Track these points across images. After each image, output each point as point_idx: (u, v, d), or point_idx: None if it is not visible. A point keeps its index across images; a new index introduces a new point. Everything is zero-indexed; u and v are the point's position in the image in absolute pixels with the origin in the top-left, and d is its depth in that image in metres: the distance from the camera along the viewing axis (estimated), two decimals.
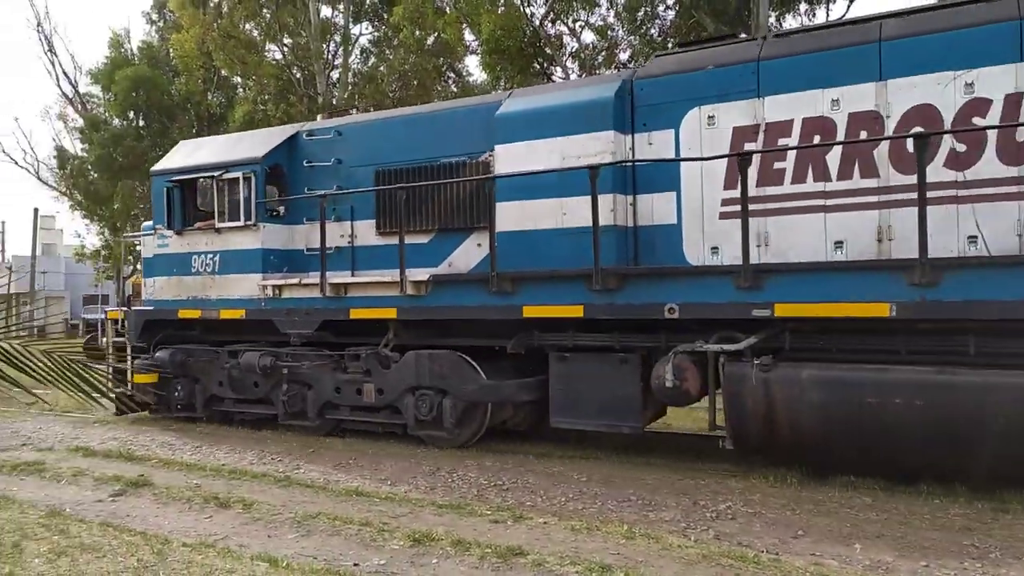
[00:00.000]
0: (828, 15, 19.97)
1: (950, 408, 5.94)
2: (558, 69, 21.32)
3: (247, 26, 26.77)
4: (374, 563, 4.89)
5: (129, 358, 10.31)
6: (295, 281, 9.15)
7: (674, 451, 8.09)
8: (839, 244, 6.64)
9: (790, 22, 20.58)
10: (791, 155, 6.86)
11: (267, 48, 27.02)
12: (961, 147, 6.24)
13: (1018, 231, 6.05)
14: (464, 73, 27.76)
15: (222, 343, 9.89)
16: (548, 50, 21.19)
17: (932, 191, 6.07)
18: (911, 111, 6.40)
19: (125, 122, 29.35)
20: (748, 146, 6.92)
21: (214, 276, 9.81)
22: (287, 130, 10.24)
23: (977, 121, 6.16)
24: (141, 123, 29.31)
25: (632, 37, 22.04)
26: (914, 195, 6.04)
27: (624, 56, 21.60)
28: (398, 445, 8.66)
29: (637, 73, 7.80)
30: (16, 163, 33.73)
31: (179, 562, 4.87)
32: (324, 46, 26.41)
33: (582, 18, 21.68)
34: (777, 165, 6.91)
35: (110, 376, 9.19)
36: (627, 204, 7.55)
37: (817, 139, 6.74)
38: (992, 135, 6.13)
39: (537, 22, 21.08)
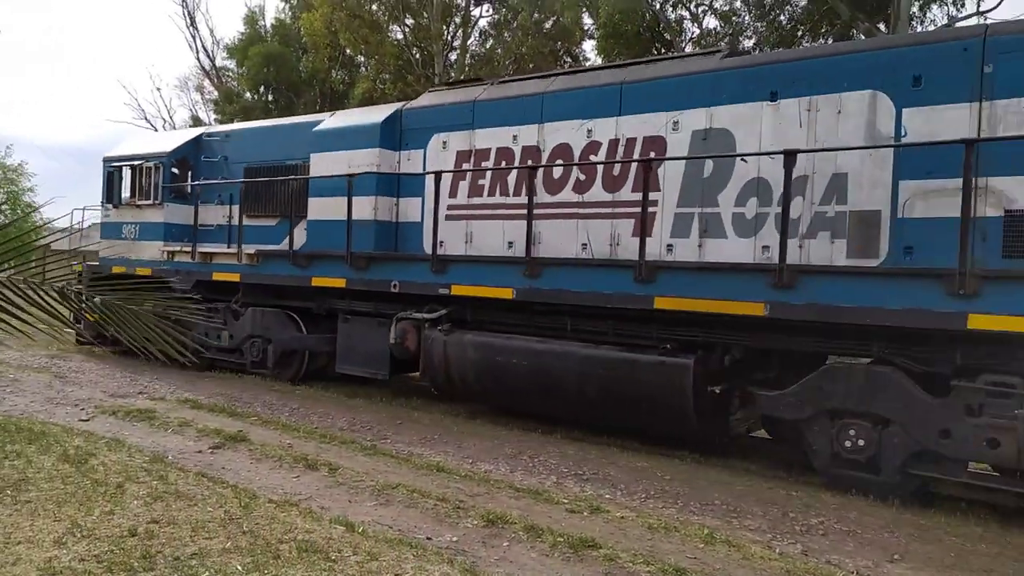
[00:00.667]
0: (979, 4, 18.44)
1: (541, 367, 8.02)
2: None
3: (372, 7, 27.50)
4: (446, 539, 4.91)
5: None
6: (178, 248, 11.93)
7: (765, 459, 7.73)
8: (511, 244, 8.69)
9: (935, 12, 19.15)
10: (488, 175, 9.00)
11: (389, 28, 27.69)
12: (583, 177, 8.28)
13: (610, 242, 8.06)
14: (581, 57, 27.50)
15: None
16: (667, 35, 20.62)
17: (562, 208, 8.38)
18: (556, 147, 8.51)
19: (256, 96, 30.91)
20: (465, 166, 9.21)
21: (136, 242, 12.72)
22: (193, 132, 13.46)
23: (592, 158, 8.22)
24: (270, 97, 30.79)
25: (759, 24, 21.12)
26: (556, 211, 8.41)
27: (749, 43, 20.75)
28: (483, 424, 8.71)
29: (407, 104, 10.14)
30: (156, 130, 36.09)
31: (263, 517, 5.05)
32: (444, 27, 26.80)
33: (705, 2, 20.94)
34: (480, 182, 9.09)
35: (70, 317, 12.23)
36: (392, 204, 9.91)
37: (504, 163, 8.86)
38: (600, 169, 8.14)
39: (657, 6, 20.53)
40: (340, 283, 9.72)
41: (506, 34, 27.42)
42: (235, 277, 11.03)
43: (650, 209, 7.41)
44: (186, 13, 34.32)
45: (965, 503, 6.08)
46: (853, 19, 18.07)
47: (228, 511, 5.14)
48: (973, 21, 17.22)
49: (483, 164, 9.02)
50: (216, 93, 33.25)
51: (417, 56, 27.09)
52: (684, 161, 7.50)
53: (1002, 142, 5.90)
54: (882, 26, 18.01)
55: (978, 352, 5.98)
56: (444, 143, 9.45)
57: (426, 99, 10.10)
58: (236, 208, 11.32)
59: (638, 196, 7.49)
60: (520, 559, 4.65)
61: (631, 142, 7.96)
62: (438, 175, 8.87)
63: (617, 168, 7.98)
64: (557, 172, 8.39)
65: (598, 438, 8.21)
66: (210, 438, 7.33)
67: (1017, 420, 5.60)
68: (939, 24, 18.62)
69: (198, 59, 34.55)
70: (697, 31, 21.63)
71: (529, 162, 8.49)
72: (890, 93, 6.53)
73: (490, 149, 9.03)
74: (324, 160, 10.25)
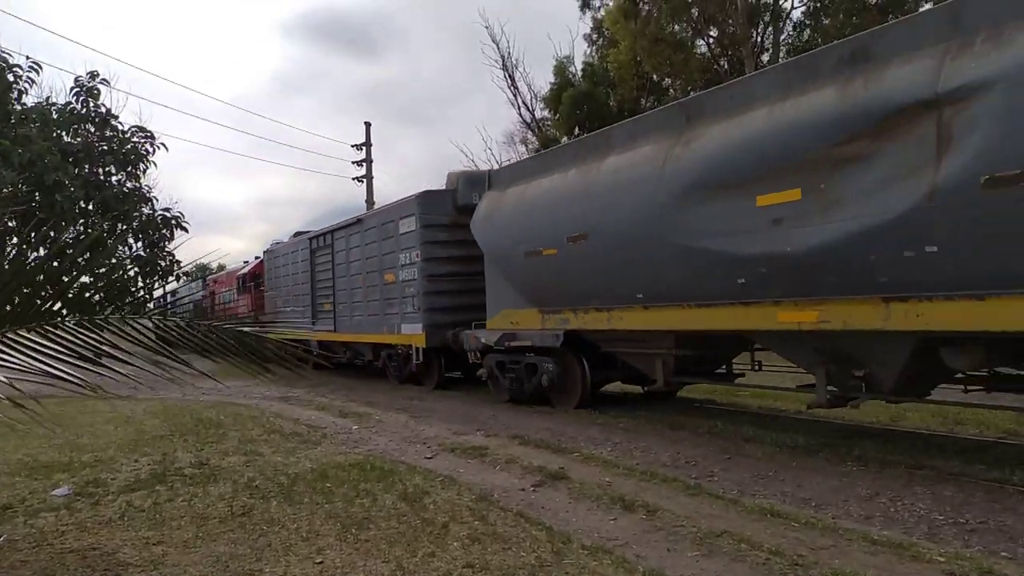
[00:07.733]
0: None
1: None
2: None
3: (674, 27, 27.14)
4: None
5: None
6: None
7: None
8: None
9: None
10: None
11: (693, 45, 27.05)
12: None
13: None
14: None
15: None
16: None
17: None
18: None
19: (571, 137, 32.34)
20: None
21: None
22: None
23: None
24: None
25: None
26: None
27: None
28: (826, 459, 7.49)
29: None
30: None
31: (573, 565, 4.73)
32: (752, 30, 25.38)
33: None
34: None
35: None
36: None
37: None
38: None
39: None
40: None
41: (824, 19, 25.00)
42: None
43: None
44: (506, 75, 37.28)
45: None
46: None
47: (540, 556, 4.92)
48: None
49: None
50: (537, 142, 35.52)
51: (725, 66, 25.99)
52: None
53: None
54: None
55: None
56: None
57: None
58: None
59: None
60: None
61: None
62: None
63: None
64: None
65: (983, 475, 6.52)
66: (533, 475, 7.31)
67: None
68: None
69: (520, 114, 37.29)
70: None
71: None
72: None
73: None
74: None
